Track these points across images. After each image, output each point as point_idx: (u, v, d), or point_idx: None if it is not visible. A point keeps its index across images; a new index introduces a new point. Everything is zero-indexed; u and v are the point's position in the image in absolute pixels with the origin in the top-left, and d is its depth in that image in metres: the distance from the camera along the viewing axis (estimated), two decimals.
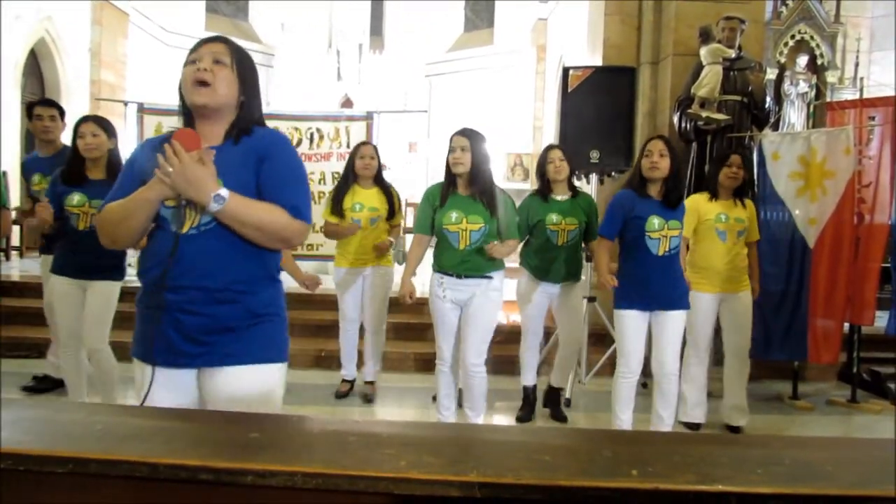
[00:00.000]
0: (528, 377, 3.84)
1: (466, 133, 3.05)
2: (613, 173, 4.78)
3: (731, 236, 3.54)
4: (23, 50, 8.48)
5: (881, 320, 4.31)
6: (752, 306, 3.67)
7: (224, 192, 1.49)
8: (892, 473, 0.87)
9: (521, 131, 12.17)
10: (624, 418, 3.19)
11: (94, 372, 3.31)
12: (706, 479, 0.83)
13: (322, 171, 5.76)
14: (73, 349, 3.26)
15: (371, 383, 4.15)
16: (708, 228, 3.54)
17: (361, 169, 3.93)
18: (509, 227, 3.13)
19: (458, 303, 3.13)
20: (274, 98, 12.86)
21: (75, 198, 3.08)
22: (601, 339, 4.63)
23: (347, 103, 13.08)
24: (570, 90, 4.72)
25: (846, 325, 4.27)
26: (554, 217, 3.62)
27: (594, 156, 4.63)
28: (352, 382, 4.22)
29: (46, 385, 3.97)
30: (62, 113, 3.81)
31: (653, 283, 3.07)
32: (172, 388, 1.58)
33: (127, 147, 3.77)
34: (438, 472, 0.83)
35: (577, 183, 5.44)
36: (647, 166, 3.07)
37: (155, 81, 11.49)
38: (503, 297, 3.24)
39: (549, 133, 10.81)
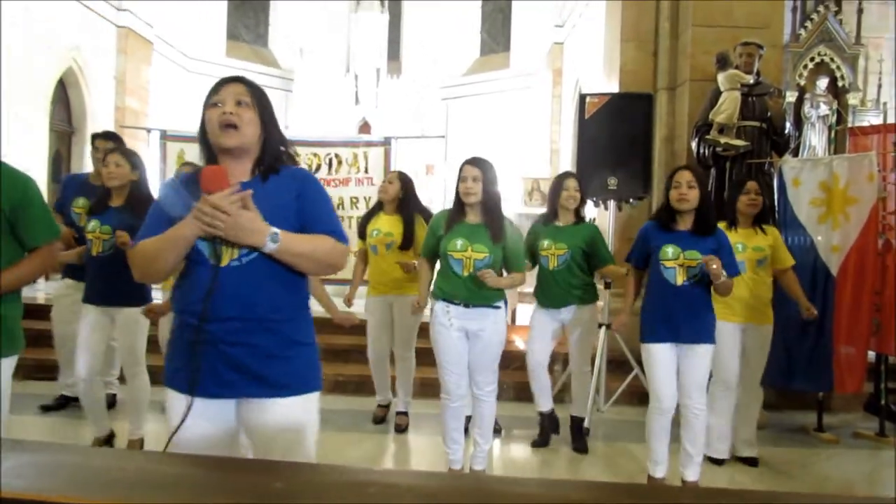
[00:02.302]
0: (540, 403, 3.80)
1: (478, 163, 3.03)
2: (631, 199, 4.77)
3: (750, 265, 3.49)
4: (52, 79, 8.72)
5: None
6: (770, 339, 3.60)
7: (277, 230, 1.54)
8: None
9: (537, 155, 12.20)
10: (658, 450, 3.10)
11: (125, 395, 3.39)
12: None
13: (340, 197, 5.82)
14: (94, 378, 3.20)
15: (404, 413, 4.10)
16: None
17: (380, 193, 4.02)
18: (517, 259, 3.12)
19: (465, 331, 3.07)
20: (293, 122, 13.07)
21: (91, 224, 3.15)
22: (620, 365, 4.56)
23: (365, 128, 13.23)
24: (586, 117, 4.75)
25: (872, 354, 4.19)
26: (545, 242, 3.63)
27: (612, 182, 4.63)
28: (387, 406, 4.23)
29: (60, 402, 4.12)
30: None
31: (674, 315, 3.00)
32: (210, 418, 1.60)
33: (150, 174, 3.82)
34: None
35: (594, 209, 5.47)
36: (675, 198, 3.01)
37: (177, 107, 11.76)
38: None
39: (566, 156, 10.81)
